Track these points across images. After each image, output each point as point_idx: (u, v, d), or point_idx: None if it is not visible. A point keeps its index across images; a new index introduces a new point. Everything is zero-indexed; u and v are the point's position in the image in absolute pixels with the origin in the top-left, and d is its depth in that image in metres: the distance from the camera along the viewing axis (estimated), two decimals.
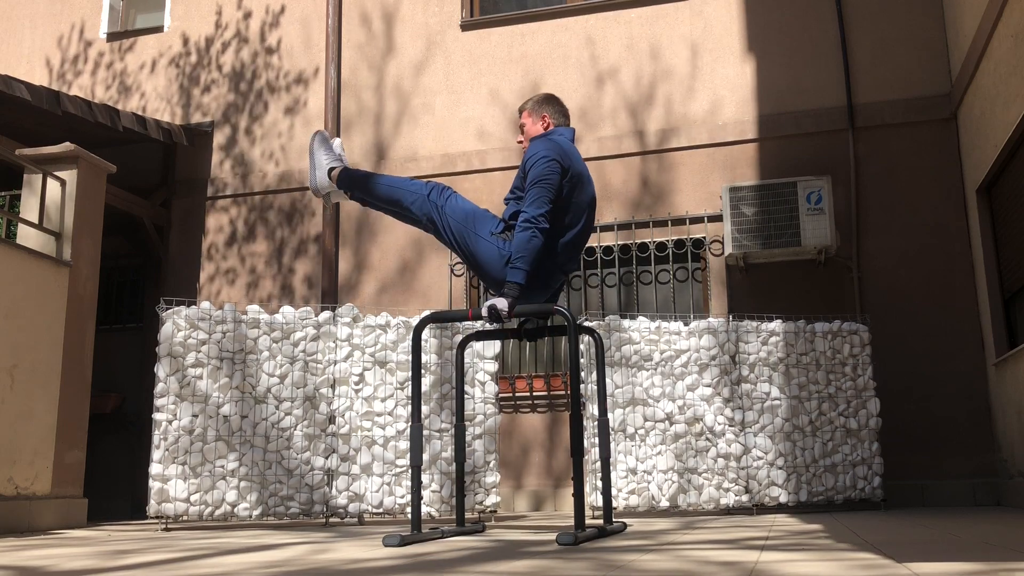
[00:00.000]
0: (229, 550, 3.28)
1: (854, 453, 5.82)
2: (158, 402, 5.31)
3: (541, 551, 2.96)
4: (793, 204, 6.59)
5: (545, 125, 4.06)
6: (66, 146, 6.12)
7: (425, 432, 5.55)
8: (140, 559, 2.94)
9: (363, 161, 7.92)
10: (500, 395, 6.71)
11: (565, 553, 2.86)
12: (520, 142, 4.16)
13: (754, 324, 5.93)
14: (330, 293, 7.69)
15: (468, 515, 5.64)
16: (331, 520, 5.75)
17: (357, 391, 5.58)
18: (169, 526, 5.51)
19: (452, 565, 2.50)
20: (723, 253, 6.94)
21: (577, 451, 3.54)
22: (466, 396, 5.54)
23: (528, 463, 7.04)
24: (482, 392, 5.67)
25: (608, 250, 7.27)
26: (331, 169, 4.13)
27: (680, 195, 7.22)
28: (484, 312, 3.67)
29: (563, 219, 3.85)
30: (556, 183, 3.79)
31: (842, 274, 6.83)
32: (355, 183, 4.08)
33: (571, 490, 6.73)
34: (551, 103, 4.12)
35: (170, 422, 5.28)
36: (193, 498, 5.25)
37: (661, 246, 7.20)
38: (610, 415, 5.73)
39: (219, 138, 8.35)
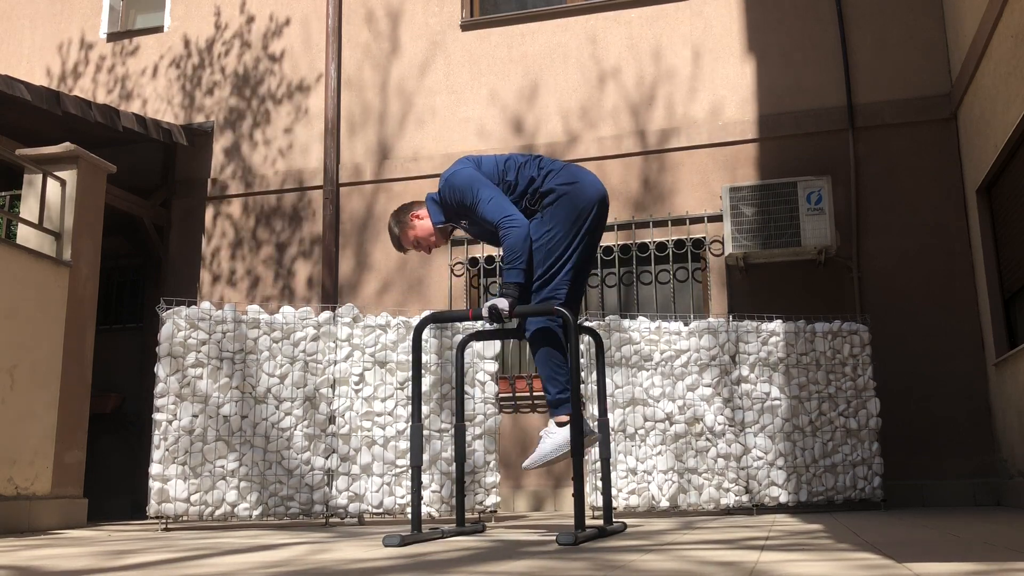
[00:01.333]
0: (229, 550, 3.28)
1: (854, 453, 5.81)
2: (158, 402, 5.31)
3: (541, 551, 2.96)
4: (793, 204, 6.59)
5: (420, 217, 4.05)
6: (66, 146, 6.12)
7: (425, 432, 5.56)
8: (141, 559, 2.94)
9: (365, 161, 7.92)
10: (500, 395, 6.71)
11: (565, 553, 2.86)
12: (431, 247, 4.10)
13: (754, 324, 5.93)
14: (330, 293, 7.69)
15: (468, 515, 5.64)
16: (331, 520, 5.75)
17: (357, 391, 5.58)
18: (169, 526, 5.51)
19: (452, 565, 2.50)
20: (723, 253, 6.94)
21: (577, 451, 3.54)
22: (466, 396, 5.54)
23: None
24: (482, 392, 5.67)
25: (608, 250, 7.27)
26: (562, 425, 3.83)
27: (680, 195, 7.22)
28: (484, 312, 3.67)
29: (530, 182, 3.93)
30: (485, 183, 3.85)
31: (842, 274, 6.83)
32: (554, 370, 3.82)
33: (571, 490, 6.73)
34: (406, 207, 4.10)
35: (170, 422, 5.29)
36: (193, 498, 5.25)
37: (661, 246, 7.20)
38: (610, 415, 5.73)
39: (219, 138, 8.35)
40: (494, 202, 3.81)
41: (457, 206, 3.93)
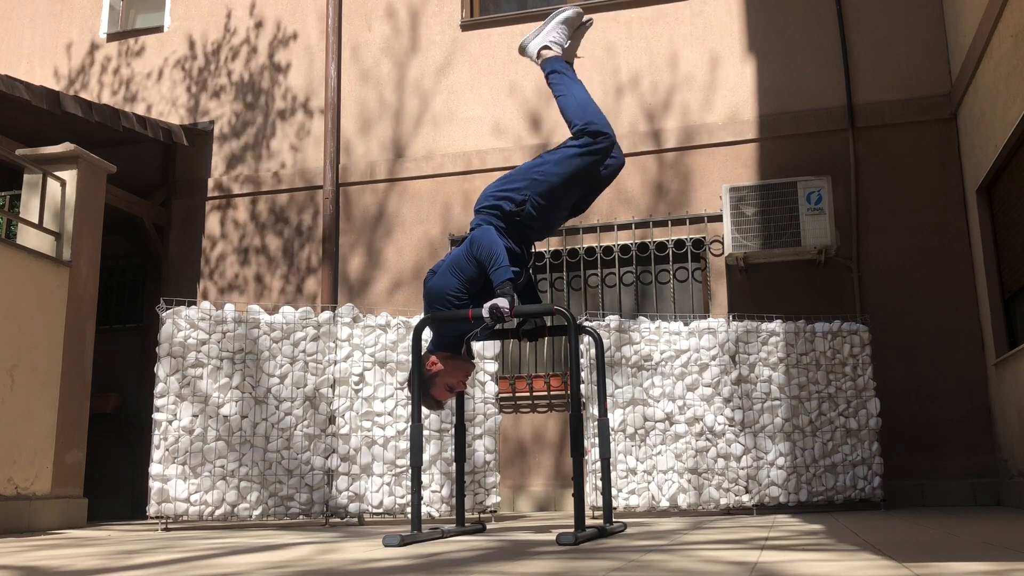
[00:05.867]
0: (236, 550, 3.28)
1: (854, 453, 5.82)
2: (158, 402, 5.31)
3: (555, 551, 2.96)
4: (793, 204, 6.59)
5: (435, 363, 3.85)
6: (66, 146, 6.12)
7: (425, 432, 5.56)
8: (149, 559, 2.94)
9: (367, 159, 7.92)
10: (500, 395, 6.71)
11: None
12: (467, 376, 3.93)
13: (754, 324, 5.94)
14: (331, 293, 7.69)
15: (468, 515, 5.64)
16: (331, 520, 5.75)
17: (357, 391, 5.58)
18: (169, 526, 5.51)
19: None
20: (723, 253, 6.94)
21: (577, 451, 3.54)
22: (466, 396, 5.54)
23: (537, 463, 7.04)
24: (482, 392, 5.67)
25: (608, 250, 7.27)
26: (547, 48, 4.12)
27: (680, 195, 7.22)
28: (485, 312, 3.66)
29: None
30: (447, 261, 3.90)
31: (842, 274, 6.83)
32: (557, 74, 4.05)
33: (572, 490, 6.73)
34: (421, 365, 3.88)
35: (170, 422, 5.29)
36: (193, 498, 5.25)
37: (661, 246, 7.20)
38: (610, 415, 5.73)
39: (219, 138, 8.35)
40: (455, 253, 3.83)
41: (440, 293, 3.82)
